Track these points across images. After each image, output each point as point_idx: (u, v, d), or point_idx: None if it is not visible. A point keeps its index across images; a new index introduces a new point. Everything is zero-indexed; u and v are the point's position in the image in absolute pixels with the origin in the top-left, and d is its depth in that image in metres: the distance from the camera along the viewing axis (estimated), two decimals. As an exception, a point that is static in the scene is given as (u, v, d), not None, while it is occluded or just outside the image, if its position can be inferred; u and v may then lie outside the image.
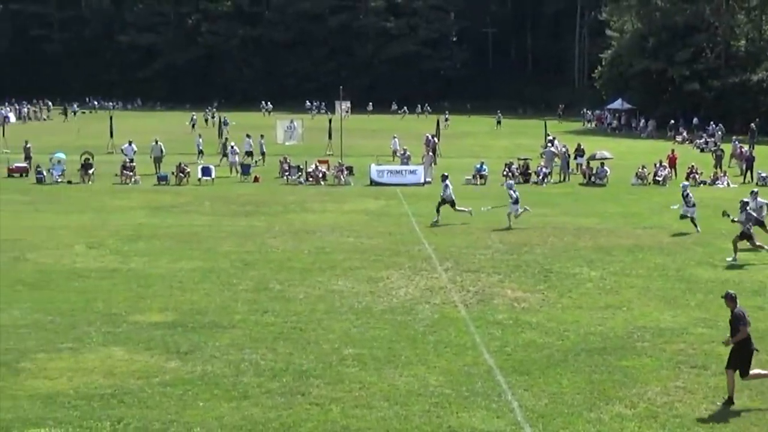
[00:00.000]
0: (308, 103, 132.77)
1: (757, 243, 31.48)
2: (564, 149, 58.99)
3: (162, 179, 53.15)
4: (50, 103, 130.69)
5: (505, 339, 21.60)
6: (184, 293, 25.90)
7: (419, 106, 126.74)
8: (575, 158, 60.08)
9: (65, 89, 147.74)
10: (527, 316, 23.70)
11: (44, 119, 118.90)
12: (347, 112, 78.48)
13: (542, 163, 57.99)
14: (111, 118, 76.22)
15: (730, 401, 17.57)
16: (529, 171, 56.30)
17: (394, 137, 69.71)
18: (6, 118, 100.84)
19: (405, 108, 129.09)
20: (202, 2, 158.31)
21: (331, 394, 17.79)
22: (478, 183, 53.44)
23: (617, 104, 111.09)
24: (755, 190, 37.69)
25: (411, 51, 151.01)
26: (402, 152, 61.27)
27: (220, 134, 72.69)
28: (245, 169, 56.24)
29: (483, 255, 31.46)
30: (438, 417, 16.76)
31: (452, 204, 39.40)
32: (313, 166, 55.50)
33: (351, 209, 42.94)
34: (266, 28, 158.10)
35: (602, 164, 56.20)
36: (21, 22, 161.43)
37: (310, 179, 54.10)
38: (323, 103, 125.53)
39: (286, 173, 55.26)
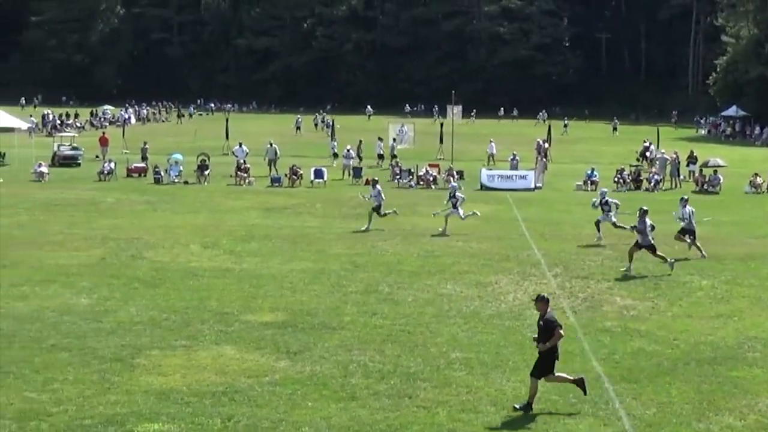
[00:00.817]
0: (407, 107, 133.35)
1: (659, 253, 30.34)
2: (674, 156, 58.08)
3: (275, 181, 53.76)
4: (171, 105, 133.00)
5: (613, 346, 21.35)
6: (294, 294, 26.14)
7: (541, 112, 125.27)
8: (687, 165, 59.19)
9: (183, 91, 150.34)
10: (636, 324, 23.40)
11: (163, 121, 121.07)
12: (459, 116, 78.31)
13: (654, 170, 57.22)
14: (227, 120, 77.43)
15: (528, 407, 17.13)
16: (641, 178, 55.64)
17: (491, 141, 69.48)
18: (127, 119, 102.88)
19: (515, 111, 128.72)
20: (318, 6, 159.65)
21: (438, 397, 17.78)
22: (589, 189, 52.93)
23: (731, 111, 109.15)
24: (685, 197, 35.51)
25: (523, 56, 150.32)
26: (512, 157, 61.01)
27: (333, 137, 73.23)
28: (357, 173, 56.55)
29: (593, 261, 31.16)
30: (545, 423, 16.63)
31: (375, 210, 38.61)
32: (424, 170, 55.57)
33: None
34: (380, 32, 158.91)
35: (715, 172, 55.28)
36: (142, 25, 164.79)
37: (421, 183, 54.19)
38: (434, 107, 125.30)
39: (397, 177, 55.43)
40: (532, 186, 53.28)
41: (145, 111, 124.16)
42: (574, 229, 37.15)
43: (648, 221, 29.81)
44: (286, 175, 54.03)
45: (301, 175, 53.80)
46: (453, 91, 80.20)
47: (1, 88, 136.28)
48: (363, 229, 37.37)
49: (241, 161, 56.19)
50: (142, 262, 30.29)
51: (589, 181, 54.17)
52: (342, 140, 68.37)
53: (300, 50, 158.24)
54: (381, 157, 64.14)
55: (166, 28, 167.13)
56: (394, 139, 66.75)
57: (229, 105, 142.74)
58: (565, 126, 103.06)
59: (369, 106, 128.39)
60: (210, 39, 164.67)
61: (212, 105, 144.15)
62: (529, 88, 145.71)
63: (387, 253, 32.55)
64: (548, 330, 17.26)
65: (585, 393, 17.61)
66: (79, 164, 62.59)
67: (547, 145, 65.46)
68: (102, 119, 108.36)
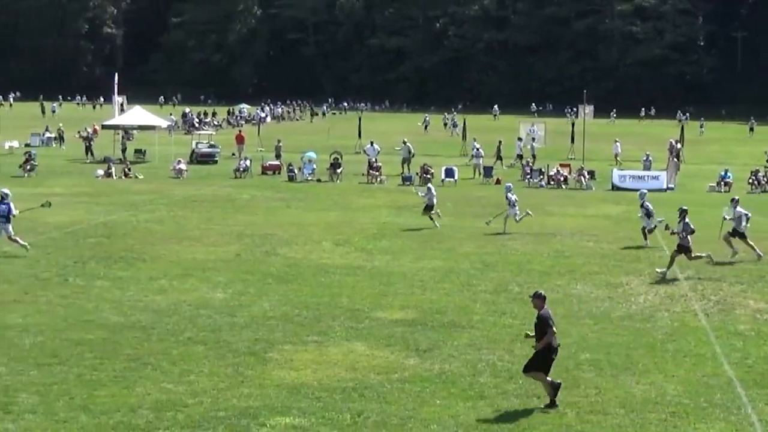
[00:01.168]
0: (534, 106, 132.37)
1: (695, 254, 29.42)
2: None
3: (407, 180, 53.92)
4: (305, 104, 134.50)
5: (746, 350, 20.87)
6: (424, 292, 26.19)
7: (680, 112, 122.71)
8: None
9: (317, 90, 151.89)
10: (770, 328, 22.87)
11: (297, 119, 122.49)
12: (590, 115, 77.50)
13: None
14: (359, 119, 77.95)
15: (552, 404, 17.07)
16: (776, 179, 54.30)
17: (616, 141, 68.50)
18: (262, 118, 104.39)
19: (652, 110, 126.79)
20: (450, 6, 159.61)
21: (566, 398, 17.61)
22: (722, 190, 51.80)
23: None
24: (736, 197, 34.29)
25: (657, 55, 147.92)
26: (645, 158, 60.10)
27: (464, 137, 73.13)
28: (487, 172, 56.38)
29: (725, 264, 30.49)
30: (675, 427, 16.35)
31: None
32: (555, 170, 55.14)
33: (592, 213, 42.43)
34: (512, 31, 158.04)
35: None
36: (278, 25, 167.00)
37: (552, 182, 53.78)
38: (567, 107, 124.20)
39: (528, 176, 55.11)
40: (664, 187, 52.41)
41: (279, 110, 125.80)
42: (707, 231, 36.36)
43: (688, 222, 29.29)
44: (417, 173, 54.17)
45: (432, 173, 53.89)
46: (584, 91, 79.40)
47: (144, 87, 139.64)
48: (436, 226, 37.27)
49: (373, 159, 56.53)
50: (275, 258, 30.71)
51: (722, 183, 53.06)
52: (471, 140, 68.30)
53: (432, 50, 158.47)
54: (520, 157, 63.69)
55: (301, 29, 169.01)
56: (534, 139, 66.30)
57: (362, 104, 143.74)
58: (701, 127, 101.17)
59: (495, 106, 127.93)
60: (344, 39, 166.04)
61: (345, 104, 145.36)
62: (662, 87, 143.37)
63: (517, 252, 32.40)
64: (542, 327, 17.27)
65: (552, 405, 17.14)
66: (216, 161, 63.75)
67: (679, 145, 64.23)
68: (238, 117, 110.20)
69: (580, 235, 35.68)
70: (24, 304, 23.86)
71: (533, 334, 17.63)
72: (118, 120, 68.93)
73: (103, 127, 69.73)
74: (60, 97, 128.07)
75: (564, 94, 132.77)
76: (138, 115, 69.06)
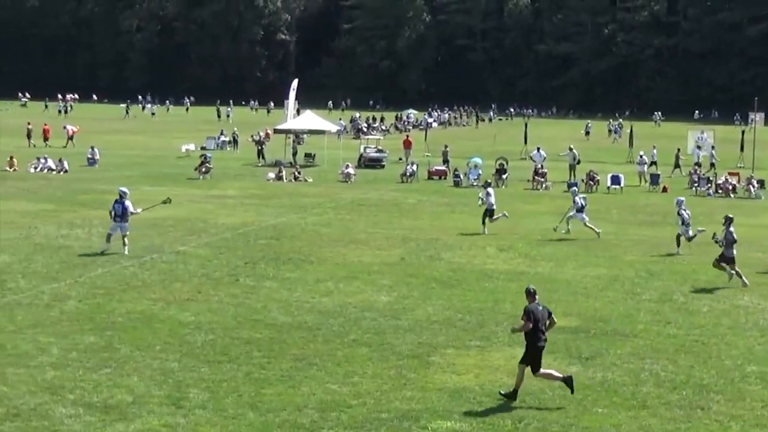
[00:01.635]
0: (697, 113, 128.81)
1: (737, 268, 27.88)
2: None
3: (572, 186, 53.33)
4: (471, 109, 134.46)
5: None
6: (587, 299, 25.89)
7: None
8: None
9: (483, 96, 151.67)
10: None
11: (463, 125, 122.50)
12: (761, 122, 75.27)
13: None
14: (526, 125, 77.43)
15: (514, 394, 17.54)
16: None
17: None
18: (429, 123, 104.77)
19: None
20: (619, 12, 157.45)
21: (731, 410, 17.17)
22: None
23: None
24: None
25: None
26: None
27: (631, 143, 71.98)
28: (654, 179, 55.34)
29: None
30: None
31: (491, 214, 37.68)
32: (723, 178, 53.76)
33: (760, 224, 41.21)
34: (682, 37, 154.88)
35: None
36: (447, 31, 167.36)
37: (719, 191, 52.44)
38: (736, 114, 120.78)
39: (695, 184, 53.87)
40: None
41: (446, 115, 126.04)
42: None
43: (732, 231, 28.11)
44: (583, 180, 53.56)
45: (598, 180, 53.19)
46: (756, 98, 77.18)
47: (314, 92, 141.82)
48: (481, 232, 36.95)
49: (539, 165, 56.13)
50: (439, 262, 30.79)
51: None
52: (636, 146, 67.22)
53: (599, 56, 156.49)
54: (698, 165, 62.09)
55: (469, 35, 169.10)
56: (699, 147, 64.75)
57: (528, 110, 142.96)
58: None
59: (658, 113, 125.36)
60: (511, 45, 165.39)
61: (511, 110, 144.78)
62: None
63: (683, 262, 31.72)
64: (523, 317, 17.95)
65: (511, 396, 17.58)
66: (383, 166, 64.26)
67: None
68: (406, 123, 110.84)
69: (748, 245, 34.53)
70: (197, 302, 24.52)
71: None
72: (290, 124, 70.13)
73: (275, 131, 71.04)
74: (231, 101, 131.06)
75: (733, 101, 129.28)
76: (309, 119, 70.16)
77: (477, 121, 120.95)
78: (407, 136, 76.04)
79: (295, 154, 65.06)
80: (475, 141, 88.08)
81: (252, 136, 75.51)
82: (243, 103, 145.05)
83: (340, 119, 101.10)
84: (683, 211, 33.63)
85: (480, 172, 55.48)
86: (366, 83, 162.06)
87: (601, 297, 26.19)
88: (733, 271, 27.99)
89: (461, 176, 55.10)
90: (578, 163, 57.62)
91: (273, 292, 25.90)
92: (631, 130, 77.28)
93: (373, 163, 64.48)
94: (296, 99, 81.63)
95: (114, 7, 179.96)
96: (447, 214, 42.58)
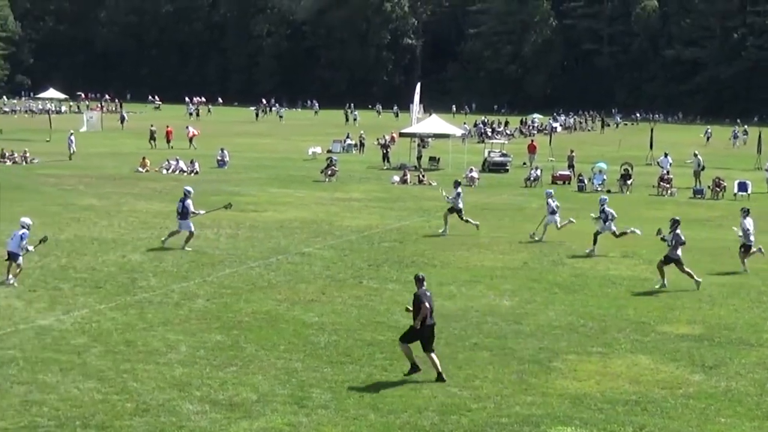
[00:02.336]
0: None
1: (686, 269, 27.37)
2: None
3: (698, 192, 52.37)
4: (596, 114, 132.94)
5: None
6: (712, 307, 25.35)
7: None
8: None
9: (609, 101, 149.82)
10: None
11: (588, 130, 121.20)
12: None
13: None
14: (652, 130, 76.24)
15: (415, 368, 18.61)
16: None
17: None
18: (554, 128, 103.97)
19: None
20: (749, 16, 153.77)
21: None
22: None
23: None
24: (746, 208, 32.29)
25: None
26: None
27: (759, 150, 70.27)
28: (782, 186, 53.99)
29: None
30: None
31: (459, 213, 36.97)
32: None
33: None
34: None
35: None
36: (574, 36, 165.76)
37: None
38: None
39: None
40: None
41: (571, 120, 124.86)
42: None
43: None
44: (709, 186, 52.50)
45: (725, 186, 52.07)
46: None
47: (439, 96, 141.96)
48: (440, 232, 36.68)
49: (665, 172, 55.20)
50: (562, 267, 30.52)
51: None
52: (765, 152, 65.68)
53: (728, 61, 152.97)
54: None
55: (596, 39, 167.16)
56: None
57: (655, 115, 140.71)
58: None
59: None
60: (638, 49, 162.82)
61: (637, 115, 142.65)
62: None
63: (812, 270, 30.84)
64: (416, 304, 18.65)
65: (439, 380, 18.54)
66: (507, 170, 63.91)
67: None
68: (531, 127, 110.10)
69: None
70: (321, 303, 24.75)
71: (412, 309, 18.91)
72: (415, 128, 70.28)
73: (401, 134, 71.28)
74: (352, 105, 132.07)
75: None
76: (434, 123, 70.18)
77: (602, 126, 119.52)
78: (532, 140, 75.49)
79: (419, 157, 65.15)
80: (599, 146, 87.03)
81: (378, 139, 75.96)
82: (370, 106, 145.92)
83: (465, 123, 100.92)
84: (608, 209, 33.87)
85: (605, 177, 54.81)
86: (491, 87, 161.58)
87: (726, 305, 25.63)
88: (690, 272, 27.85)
89: (585, 181, 54.51)
90: (702, 169, 56.43)
91: (396, 294, 25.97)
92: (760, 137, 75.34)
93: (498, 168, 64.19)
94: (421, 103, 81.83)
95: (246, 12, 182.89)
96: (569, 219, 42.08)
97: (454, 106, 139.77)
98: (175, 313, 23.35)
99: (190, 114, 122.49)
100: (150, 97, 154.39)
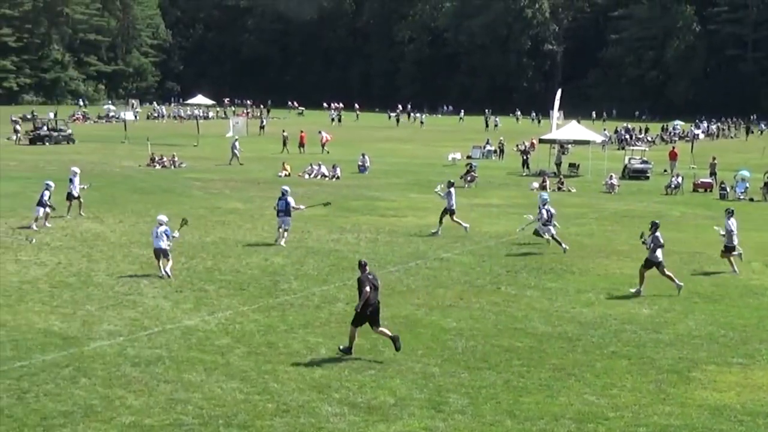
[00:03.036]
0: None
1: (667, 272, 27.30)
2: None
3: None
4: (740, 121, 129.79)
5: None
6: None
7: None
8: None
9: (753, 108, 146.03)
10: None
11: (731, 137, 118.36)
12: None
13: None
14: (798, 137, 74.12)
15: (348, 350, 20.16)
16: None
17: None
18: (696, 135, 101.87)
19: None
20: None
21: None
22: None
23: None
24: (731, 208, 32.36)
25: None
26: None
27: None
28: None
29: None
30: None
31: (452, 213, 36.33)
32: None
33: None
34: None
35: None
36: (717, 41, 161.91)
37: None
38: None
39: None
40: None
41: (714, 126, 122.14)
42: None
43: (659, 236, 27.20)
44: None
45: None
46: None
47: (580, 102, 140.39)
48: (433, 231, 36.47)
49: (812, 179, 53.60)
50: (702, 277, 29.87)
51: None
52: None
53: None
54: None
55: (740, 45, 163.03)
56: None
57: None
58: None
59: None
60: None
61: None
62: None
63: None
64: (358, 288, 20.10)
65: (397, 349, 20.11)
66: (647, 177, 62.85)
67: None
68: (672, 134, 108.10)
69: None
70: (458, 309, 24.76)
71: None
72: (555, 134, 69.69)
73: (540, 141, 70.79)
74: (489, 111, 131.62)
75: None
76: (574, 129, 69.48)
77: (747, 133, 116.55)
78: (673, 147, 74.18)
79: (559, 164, 64.60)
80: (742, 153, 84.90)
81: (518, 145, 75.54)
82: (510, 114, 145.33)
83: (605, 130, 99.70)
84: (543, 209, 34.03)
85: (747, 185, 53.47)
86: (632, 94, 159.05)
87: None
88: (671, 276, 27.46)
89: (728, 189, 53.26)
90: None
91: (534, 301, 25.84)
92: None
93: (638, 175, 63.17)
94: (561, 109, 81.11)
95: (389, 18, 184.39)
96: (711, 227, 41.12)
97: (594, 112, 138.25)
98: (315, 316, 23.66)
99: (332, 119, 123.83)
100: (289, 103, 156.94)
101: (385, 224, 39.26)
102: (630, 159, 66.47)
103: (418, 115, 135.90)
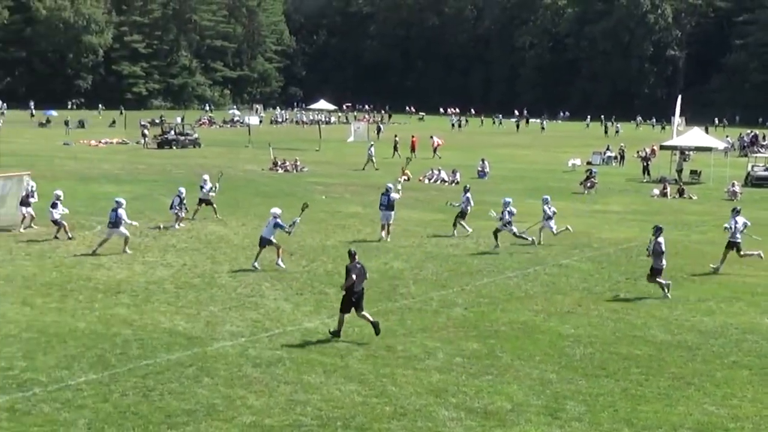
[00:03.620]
0: None
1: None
2: None
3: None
4: None
5: None
6: None
7: None
8: None
9: None
10: None
11: None
12: None
13: None
14: None
15: (337, 334, 21.78)
16: None
17: None
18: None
19: None
20: None
21: None
22: None
23: None
24: (737, 207, 33.04)
25: None
26: None
27: None
28: None
29: None
30: None
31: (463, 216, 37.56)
32: None
33: None
34: None
35: None
36: None
37: None
38: None
39: None
40: None
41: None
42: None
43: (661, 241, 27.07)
44: None
45: None
46: None
47: (702, 108, 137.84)
48: (451, 234, 37.31)
49: None
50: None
51: None
52: None
53: None
54: None
55: None
56: None
57: None
58: None
59: None
60: None
61: None
62: None
63: None
64: (346, 275, 21.68)
65: (377, 333, 21.54)
66: (772, 184, 61.45)
67: None
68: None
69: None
70: (577, 315, 24.53)
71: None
72: (676, 141, 68.50)
73: (662, 147, 69.70)
74: (612, 117, 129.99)
75: None
76: (695, 136, 68.20)
77: None
78: (798, 154, 72.32)
79: (680, 171, 63.46)
80: None
81: (638, 152, 74.48)
82: (632, 120, 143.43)
83: (727, 136, 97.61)
84: (506, 211, 34.79)
85: None
86: (756, 100, 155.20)
87: None
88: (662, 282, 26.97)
89: None
90: None
91: (653, 309, 25.45)
92: None
93: (761, 182, 61.63)
94: (682, 115, 79.70)
95: (510, 24, 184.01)
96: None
97: (716, 118, 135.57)
98: (433, 320, 23.69)
99: (452, 125, 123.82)
100: (407, 108, 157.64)
101: (503, 230, 39.09)
102: (753, 166, 64.96)
103: (537, 120, 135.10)
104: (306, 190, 52.33)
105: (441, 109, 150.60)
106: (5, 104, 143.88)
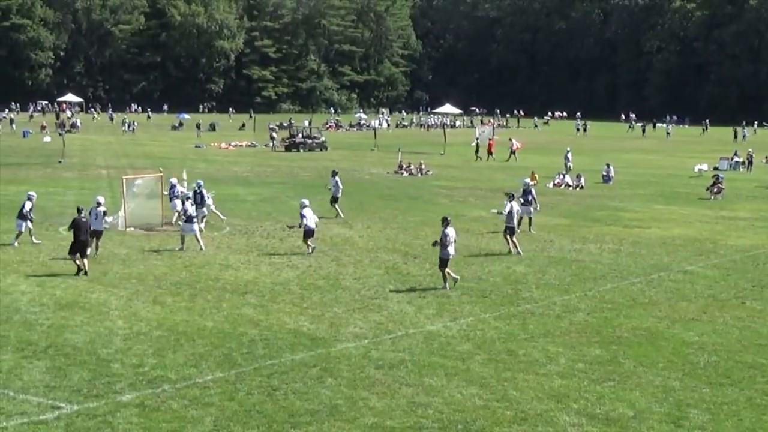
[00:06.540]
0: None
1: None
2: None
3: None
4: None
5: None
6: None
7: None
8: None
9: None
10: None
11: None
12: None
13: None
14: None
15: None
16: None
17: None
18: None
19: None
20: None
21: None
22: None
23: None
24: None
25: None
26: None
27: None
28: None
29: None
30: None
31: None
32: None
33: None
34: None
35: None
36: None
37: None
38: None
39: None
40: None
41: None
42: None
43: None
44: None
45: None
46: None
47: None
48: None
49: None
50: None
51: None
52: None
53: None
54: None
55: None
56: None
57: None
58: None
59: None
60: None
61: None
62: None
63: None
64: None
65: None
66: None
67: None
68: None
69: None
70: (701, 323, 24.05)
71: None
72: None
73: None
74: (743, 122, 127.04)
75: None
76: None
77: None
78: None
79: (812, 176, 61.80)
80: None
81: (766, 157, 72.69)
82: (764, 124, 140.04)
83: None
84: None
85: None
86: None
87: None
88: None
89: None
90: None
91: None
92: None
93: None
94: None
95: (638, 28, 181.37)
96: None
97: None
98: (555, 325, 23.51)
99: (577, 129, 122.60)
100: (514, 112, 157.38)
101: (628, 235, 38.55)
102: None
103: (663, 125, 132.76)
104: (431, 194, 52.43)
105: (556, 113, 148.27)
106: (139, 107, 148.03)
